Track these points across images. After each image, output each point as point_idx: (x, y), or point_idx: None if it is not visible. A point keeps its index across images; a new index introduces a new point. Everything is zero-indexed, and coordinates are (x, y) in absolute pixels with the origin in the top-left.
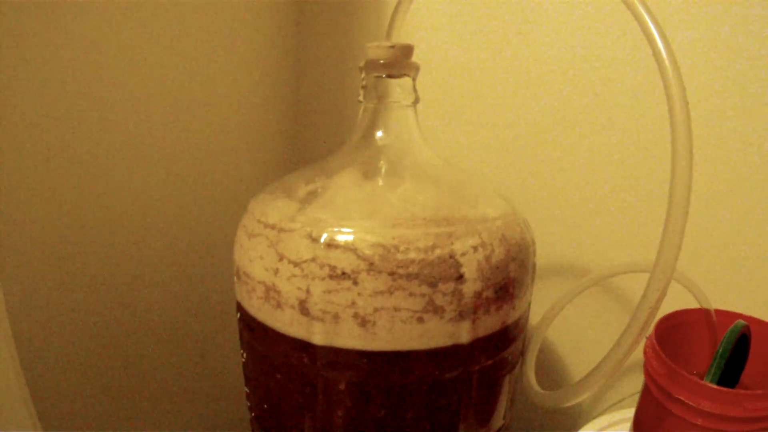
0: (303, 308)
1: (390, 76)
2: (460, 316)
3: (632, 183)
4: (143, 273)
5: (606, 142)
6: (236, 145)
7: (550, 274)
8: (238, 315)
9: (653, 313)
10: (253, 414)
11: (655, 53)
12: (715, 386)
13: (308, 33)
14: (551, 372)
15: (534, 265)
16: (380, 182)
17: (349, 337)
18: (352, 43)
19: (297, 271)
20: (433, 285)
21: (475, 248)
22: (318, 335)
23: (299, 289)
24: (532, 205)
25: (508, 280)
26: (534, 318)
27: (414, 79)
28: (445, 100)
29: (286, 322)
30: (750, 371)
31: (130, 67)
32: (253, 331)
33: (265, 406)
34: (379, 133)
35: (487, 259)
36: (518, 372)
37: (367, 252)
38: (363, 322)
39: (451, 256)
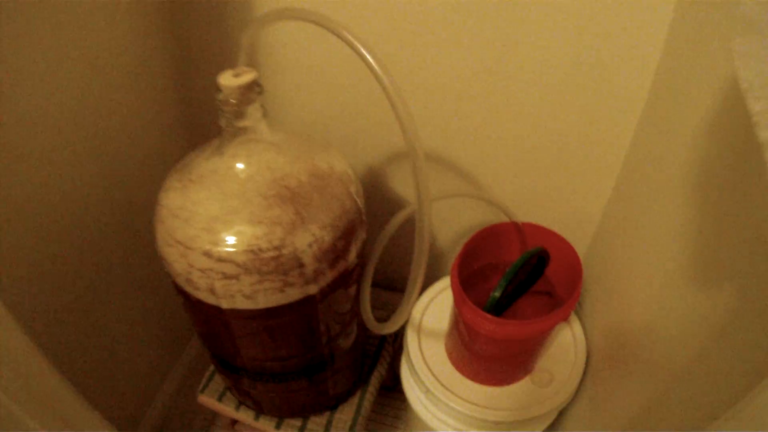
0: (212, 291)
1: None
2: (306, 282)
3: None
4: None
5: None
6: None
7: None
8: (172, 280)
9: (428, 237)
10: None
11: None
12: (480, 312)
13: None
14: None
15: (361, 216)
16: (247, 183)
17: (242, 304)
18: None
19: (203, 274)
20: (285, 273)
21: (310, 245)
22: (224, 303)
23: (207, 283)
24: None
25: (338, 252)
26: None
27: (261, 98)
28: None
29: (202, 297)
30: (557, 280)
31: None
32: (183, 295)
33: (202, 333)
34: (236, 148)
35: (320, 248)
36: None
37: (241, 260)
38: (248, 297)
39: (294, 254)
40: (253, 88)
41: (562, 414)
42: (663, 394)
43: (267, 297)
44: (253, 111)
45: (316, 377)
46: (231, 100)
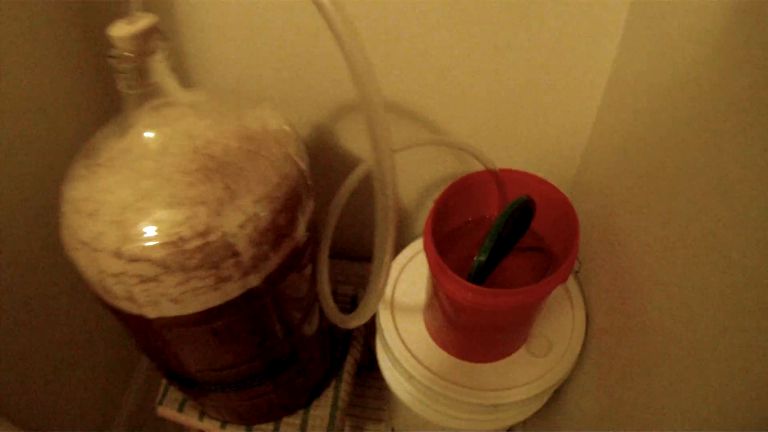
0: (131, 300)
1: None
2: (245, 273)
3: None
4: None
5: None
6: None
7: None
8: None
9: (395, 208)
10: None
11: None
12: (463, 282)
13: None
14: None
15: (306, 181)
16: (163, 158)
17: (170, 311)
18: None
19: (117, 280)
20: (216, 266)
21: (242, 225)
22: (148, 312)
23: (124, 290)
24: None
25: (281, 229)
26: None
27: (165, 48)
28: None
29: (123, 307)
30: (546, 231)
31: None
32: (103, 305)
33: (137, 344)
34: (145, 116)
35: (257, 227)
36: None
37: (159, 256)
38: (176, 301)
39: (224, 240)
40: (151, 36)
41: (563, 385)
42: (683, 355)
43: (198, 298)
44: (157, 65)
45: (281, 377)
46: (126, 54)
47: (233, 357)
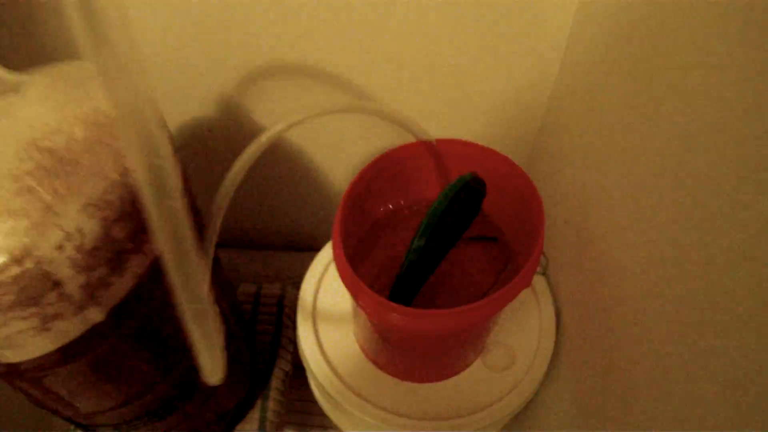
0: None
1: None
2: (79, 308)
3: None
4: None
5: None
6: None
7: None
8: None
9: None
10: None
11: None
12: (385, 302)
13: None
14: None
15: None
16: None
17: (5, 357)
18: None
19: None
20: (36, 303)
21: (61, 246)
22: None
23: None
24: None
25: (118, 246)
26: None
27: None
28: None
29: None
30: (501, 217)
31: None
32: None
33: None
34: None
35: (80, 248)
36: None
37: None
38: (6, 347)
39: (39, 266)
40: None
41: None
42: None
43: (30, 342)
44: None
45: (186, 408)
46: None
47: (114, 398)
